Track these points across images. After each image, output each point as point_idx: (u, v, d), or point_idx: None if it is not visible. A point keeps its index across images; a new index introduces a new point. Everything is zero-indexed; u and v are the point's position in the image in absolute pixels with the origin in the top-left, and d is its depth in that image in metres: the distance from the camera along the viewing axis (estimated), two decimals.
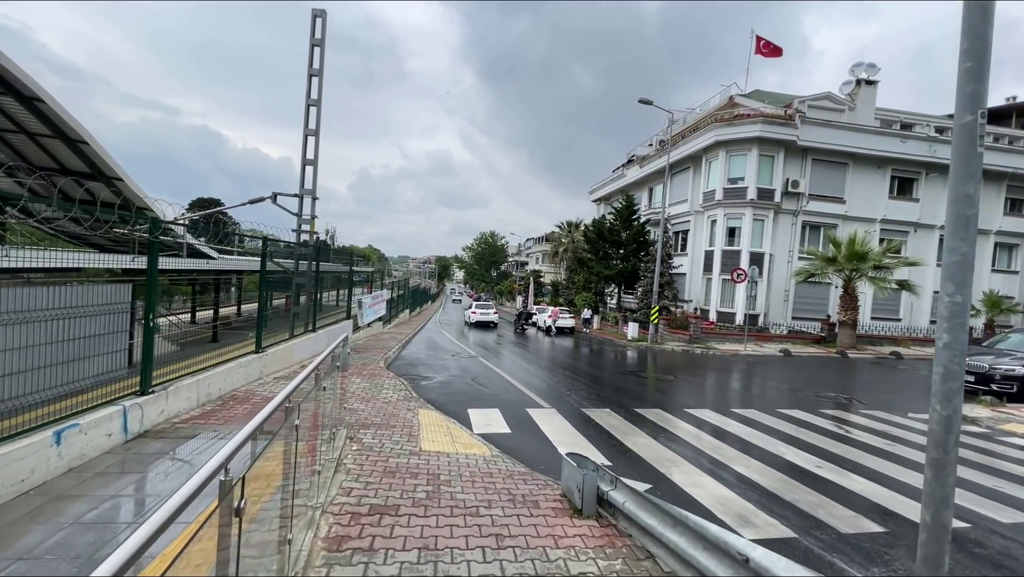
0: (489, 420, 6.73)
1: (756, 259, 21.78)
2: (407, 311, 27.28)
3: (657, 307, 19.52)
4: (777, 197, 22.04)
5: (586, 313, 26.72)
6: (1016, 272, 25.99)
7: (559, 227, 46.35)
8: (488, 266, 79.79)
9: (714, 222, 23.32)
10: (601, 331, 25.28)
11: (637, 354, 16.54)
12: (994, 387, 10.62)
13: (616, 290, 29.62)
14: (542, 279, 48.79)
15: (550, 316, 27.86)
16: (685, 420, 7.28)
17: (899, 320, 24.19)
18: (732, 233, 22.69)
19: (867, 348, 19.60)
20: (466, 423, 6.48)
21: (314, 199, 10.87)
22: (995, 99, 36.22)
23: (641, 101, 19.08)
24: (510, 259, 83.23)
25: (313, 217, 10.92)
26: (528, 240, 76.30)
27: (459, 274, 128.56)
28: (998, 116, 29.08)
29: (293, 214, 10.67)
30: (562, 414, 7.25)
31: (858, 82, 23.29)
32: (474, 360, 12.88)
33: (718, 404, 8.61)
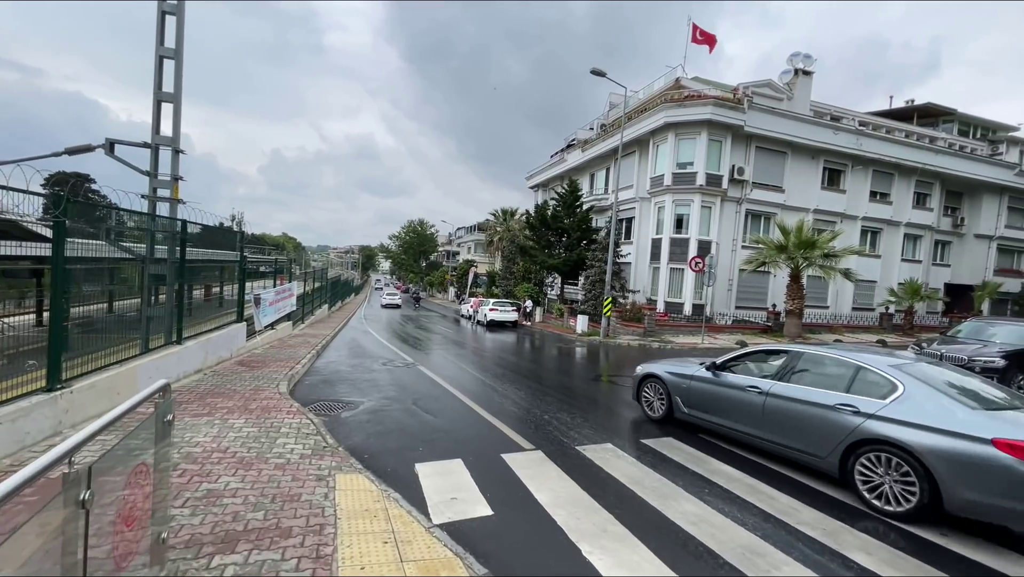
0: (452, 487, 4.31)
1: (704, 247, 21.12)
2: (326, 306, 23.58)
3: (610, 299, 18.03)
4: (724, 184, 21.51)
5: (527, 305, 24.85)
6: (920, 261, 28.13)
7: (493, 215, 44.12)
8: (417, 256, 75.61)
9: (662, 208, 22.36)
10: (545, 324, 23.53)
11: (593, 352, 14.83)
12: None
13: (557, 280, 28.08)
14: (476, 268, 46.32)
15: (471, 306, 25.70)
16: (736, 456, 5.40)
17: (827, 308, 25.05)
18: (680, 220, 21.86)
19: (810, 337, 19.65)
20: (415, 498, 4.02)
21: (176, 152, 7.56)
22: (897, 102, 39.48)
23: (594, 72, 17.27)
24: (440, 249, 79.63)
25: (176, 179, 7.62)
26: (459, 229, 73.29)
27: (385, 264, 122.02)
28: (903, 116, 31.35)
29: (142, 172, 7.31)
30: (554, 460, 5.02)
31: (796, 72, 23.42)
32: (412, 370, 10.25)
33: None
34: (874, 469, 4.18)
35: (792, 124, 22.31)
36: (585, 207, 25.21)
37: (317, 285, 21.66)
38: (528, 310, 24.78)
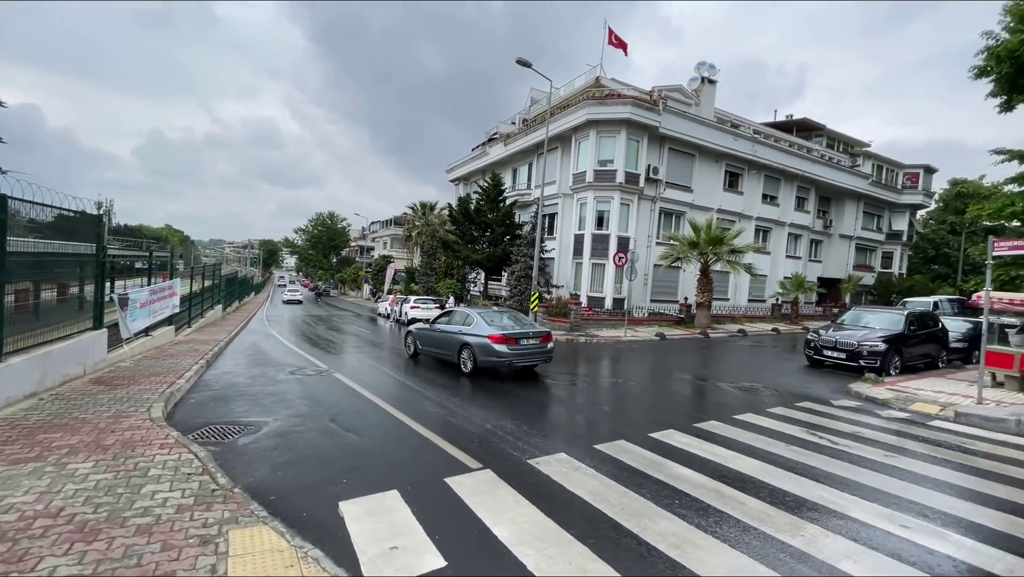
0: (389, 530, 3.45)
1: (623, 243, 21.79)
2: (220, 307, 20.64)
3: (536, 294, 17.80)
4: (641, 183, 22.35)
5: (450, 302, 23.92)
6: (800, 257, 31.78)
7: (412, 209, 42.20)
8: (327, 251, 70.53)
9: (584, 205, 22.68)
10: None
11: None
12: (862, 362, 11.30)
13: (481, 276, 27.48)
14: (393, 264, 44.07)
15: (389, 304, 24.45)
16: (693, 457, 5.11)
17: (728, 300, 27.28)
18: (601, 217, 22.33)
19: (718, 327, 21.14)
20: (342, 554, 3.12)
21: None
22: (780, 116, 44.20)
23: (519, 62, 16.80)
24: (353, 244, 75.13)
25: None
26: (374, 223, 69.62)
27: (291, 260, 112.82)
28: (785, 128, 35.14)
29: None
30: (507, 480, 4.35)
31: (702, 80, 25.04)
32: (326, 378, 8.97)
33: (694, 415, 6.78)
34: (463, 353, 9.66)
35: (700, 128, 23.82)
36: (508, 202, 24.84)
37: (209, 283, 18.80)
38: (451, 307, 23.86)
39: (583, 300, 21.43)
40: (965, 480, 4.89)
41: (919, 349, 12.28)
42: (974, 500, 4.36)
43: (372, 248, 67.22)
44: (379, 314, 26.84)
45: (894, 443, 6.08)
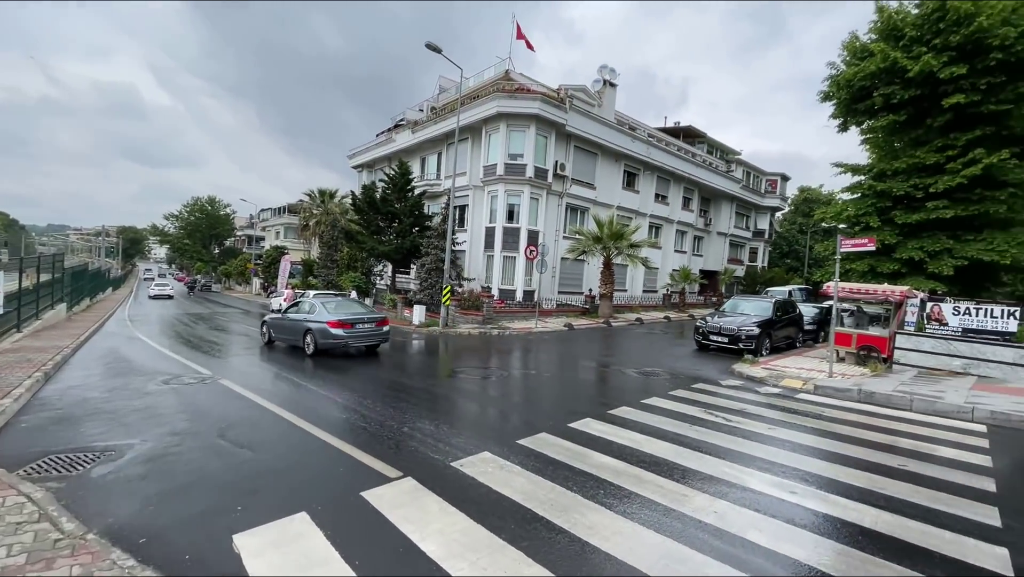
0: (299, 561, 3.01)
1: (533, 237, 22.24)
2: (63, 306, 17.12)
3: (449, 287, 17.43)
4: (549, 178, 22.94)
5: (352, 296, 22.46)
6: (686, 252, 35.19)
7: (309, 196, 38.99)
8: (208, 240, 62.57)
9: (495, 197, 22.70)
10: None
11: (435, 344, 14.06)
12: (741, 345, 12.77)
13: (388, 269, 26.29)
14: (288, 256, 40.34)
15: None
16: (611, 445, 5.22)
17: (626, 291, 29.31)
18: (512, 210, 22.54)
19: (619, 316, 22.58)
20: None
21: None
22: (668, 122, 48.18)
23: (429, 47, 16.14)
24: (240, 233, 67.69)
25: None
26: (265, 211, 63.18)
27: (161, 251, 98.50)
28: (674, 134, 38.52)
29: None
30: (431, 487, 4.08)
31: (604, 82, 26.35)
32: (212, 387, 7.82)
33: (607, 403, 7.00)
34: (307, 338, 10.89)
35: (602, 128, 25.08)
36: (417, 192, 23.96)
37: (48, 278, 15.43)
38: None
39: (495, 293, 21.50)
40: (831, 445, 5.68)
41: (783, 332, 14.22)
42: (841, 462, 5.07)
43: (262, 238, 61.00)
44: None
45: (774, 416, 6.90)
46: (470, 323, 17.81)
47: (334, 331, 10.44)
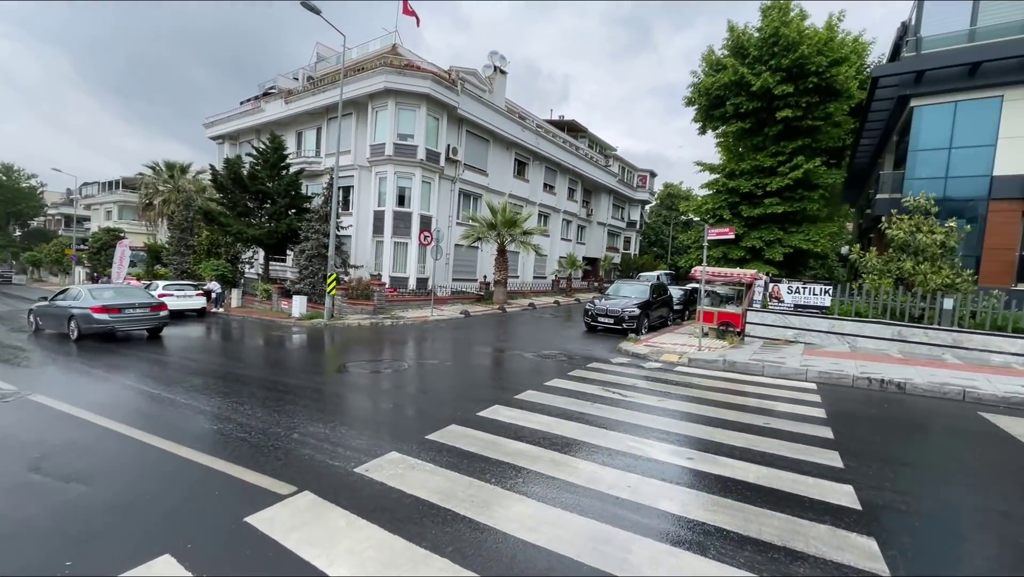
0: None
1: (426, 222, 21.53)
2: None
3: (334, 275, 16.03)
4: (442, 162, 22.31)
5: (213, 286, 19.54)
6: (571, 240, 37.22)
7: (152, 169, 32.75)
8: (4, 220, 49.43)
9: (384, 179, 21.40)
10: (248, 309, 19.22)
11: (320, 337, 12.86)
12: (625, 325, 13.85)
13: (260, 255, 23.38)
14: (126, 240, 33.56)
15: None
16: (523, 430, 5.12)
17: (518, 277, 30.06)
18: (403, 194, 21.48)
19: (513, 302, 23.05)
20: None
21: None
22: (554, 115, 49.99)
23: (305, 6, 14.37)
24: (53, 211, 54.75)
25: None
26: (89, 185, 51.77)
27: None
28: (559, 126, 40.19)
29: None
30: (333, 500, 3.59)
31: (495, 69, 26.29)
32: (15, 405, 6.04)
33: (512, 388, 6.89)
34: (71, 324, 11.18)
35: (494, 115, 25.06)
36: (294, 169, 21.54)
37: None
38: (217, 293, 19.53)
39: (386, 281, 20.38)
40: (711, 411, 6.36)
41: (658, 312, 15.76)
42: (721, 426, 5.68)
43: (87, 218, 50.04)
44: None
45: (661, 389, 7.54)
46: (360, 313, 16.65)
47: (97, 316, 10.88)
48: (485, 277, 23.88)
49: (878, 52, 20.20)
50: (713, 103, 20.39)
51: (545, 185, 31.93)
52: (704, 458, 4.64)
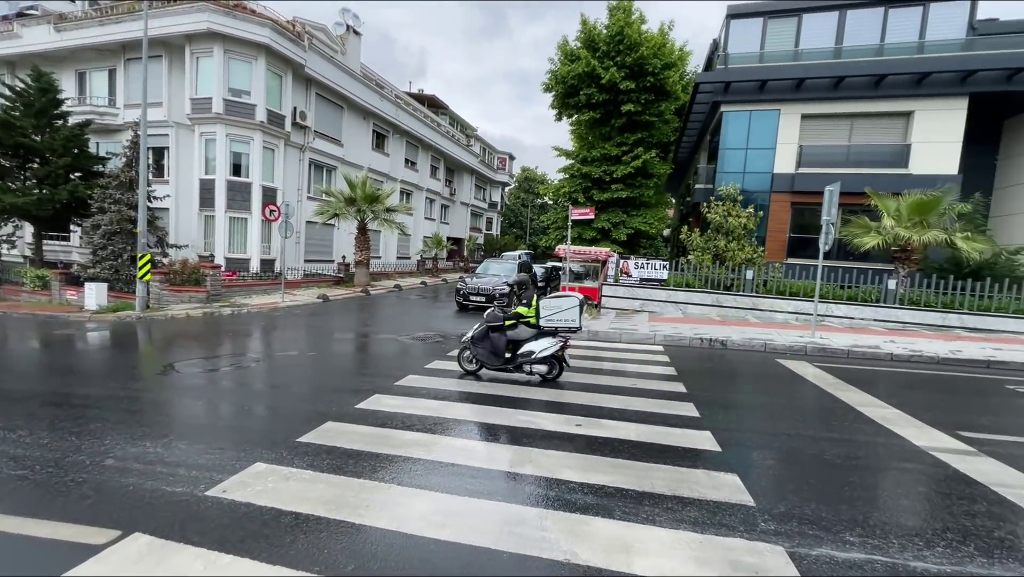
0: None
1: (270, 195, 18.81)
2: None
3: (148, 256, 12.98)
4: (287, 126, 19.58)
5: None
6: (435, 219, 36.51)
7: None
8: None
9: (212, 142, 17.93)
10: (9, 303, 14.53)
11: (132, 332, 10.36)
12: (496, 302, 14.05)
13: (28, 231, 17.83)
14: None
15: None
16: (411, 418, 4.68)
17: (380, 257, 28.46)
18: (239, 161, 18.31)
19: (376, 284, 21.70)
20: None
21: None
22: (413, 89, 47.78)
23: None
24: None
25: None
26: None
27: None
28: (419, 101, 38.61)
29: None
30: (179, 536, 2.80)
31: (348, 28, 23.82)
32: None
33: (391, 374, 6.30)
34: None
35: (348, 80, 22.81)
36: (75, 120, 16.65)
37: None
38: None
39: (221, 263, 17.30)
40: (586, 377, 6.78)
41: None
42: (598, 391, 6.09)
43: None
44: None
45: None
46: (189, 303, 13.87)
47: None
48: (344, 258, 21.97)
49: (695, 63, 23.72)
50: (568, 91, 21.65)
51: (407, 161, 30.54)
52: (591, 423, 4.90)
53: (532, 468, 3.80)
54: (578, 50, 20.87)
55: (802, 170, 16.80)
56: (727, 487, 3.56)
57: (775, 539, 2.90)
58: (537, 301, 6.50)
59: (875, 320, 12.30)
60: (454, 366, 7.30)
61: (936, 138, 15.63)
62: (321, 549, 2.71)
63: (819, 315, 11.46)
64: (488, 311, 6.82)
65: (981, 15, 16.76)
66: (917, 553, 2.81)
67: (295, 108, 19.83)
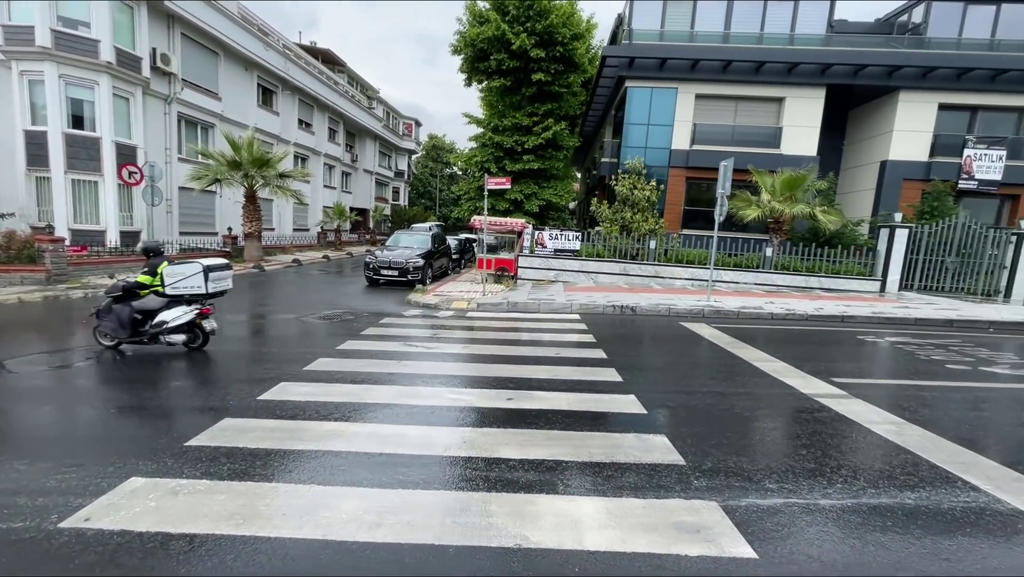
0: None
1: (127, 154, 15.77)
2: None
3: None
4: (145, 71, 16.37)
5: None
6: (335, 188, 33.74)
7: None
8: None
9: (38, 84, 14.38)
10: None
11: None
12: (410, 276, 13.43)
13: None
14: None
15: None
16: (326, 406, 4.14)
17: (274, 229, 25.71)
18: (81, 110, 14.96)
19: (271, 259, 19.57)
20: None
21: None
22: (304, 40, 42.75)
23: None
24: None
25: None
26: None
27: None
28: (312, 55, 34.71)
29: None
30: None
31: None
32: None
33: (298, 359, 5.58)
34: None
35: (223, 21, 19.60)
36: None
37: None
38: None
39: (64, 236, 14.21)
40: (511, 350, 6.71)
41: (440, 262, 15.89)
42: (524, 363, 6.04)
43: None
44: None
45: (462, 336, 7.58)
46: (21, 284, 11.25)
47: None
48: (231, 230, 19.37)
49: (600, 36, 24.18)
50: (478, 55, 20.84)
51: (301, 122, 27.55)
52: (521, 396, 4.81)
53: (468, 449, 3.61)
54: (488, 12, 20.04)
55: (696, 147, 18.13)
56: (658, 449, 3.70)
57: (708, 495, 3.05)
58: (161, 269, 6.18)
59: (755, 284, 13.92)
60: (370, 345, 6.78)
61: (801, 123, 17.77)
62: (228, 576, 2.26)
63: (711, 281, 12.65)
64: (111, 283, 6.45)
65: (840, 15, 19.13)
66: (823, 492, 3.14)
67: (154, 49, 16.60)
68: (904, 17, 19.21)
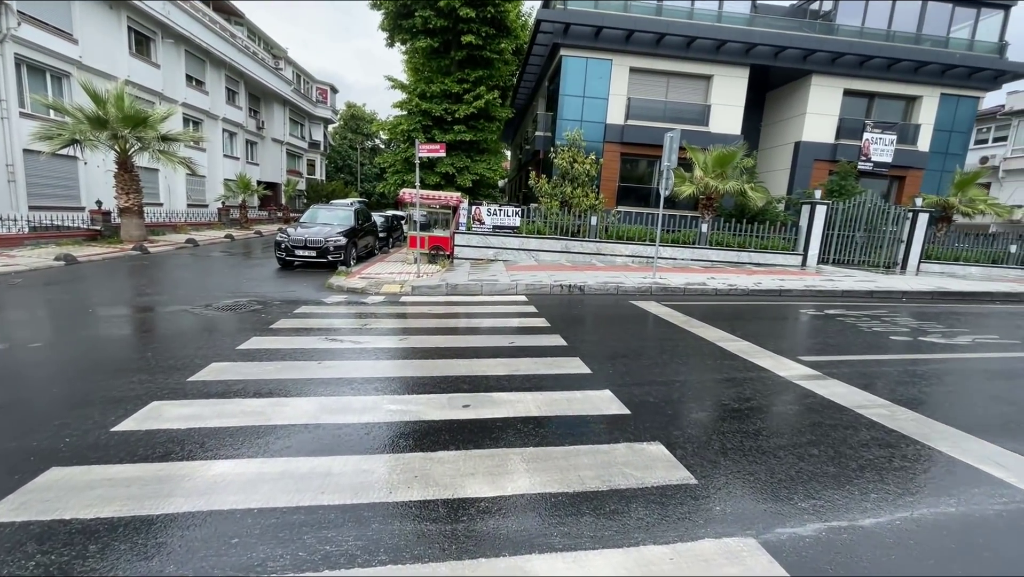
0: None
1: None
2: None
3: None
4: None
5: None
6: (238, 158, 29.81)
7: None
8: None
9: None
10: None
11: None
12: (330, 257, 11.83)
13: None
14: None
15: None
16: (218, 435, 2.93)
17: (162, 204, 22.05)
18: None
19: (158, 239, 16.60)
20: None
21: None
22: None
23: None
24: None
25: None
26: None
27: None
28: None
29: None
30: None
31: None
32: None
33: (181, 368, 4.17)
34: None
35: None
36: None
37: None
38: None
39: None
40: (453, 339, 5.78)
41: (364, 241, 14.30)
42: (476, 356, 5.14)
43: None
44: None
45: (396, 326, 6.48)
46: None
47: None
48: (100, 204, 16.02)
49: (530, 5, 23.08)
50: (401, 11, 18.94)
51: (190, 78, 23.64)
52: (480, 401, 3.93)
53: (422, 488, 2.66)
54: None
55: (630, 122, 17.92)
56: (659, 463, 3.01)
57: (737, 527, 2.40)
58: None
59: (692, 260, 14.07)
60: (281, 342, 5.49)
61: (727, 101, 18.19)
62: None
63: (652, 257, 12.50)
64: None
65: None
66: (857, 505, 2.64)
67: None
68: (816, 4, 20.22)
